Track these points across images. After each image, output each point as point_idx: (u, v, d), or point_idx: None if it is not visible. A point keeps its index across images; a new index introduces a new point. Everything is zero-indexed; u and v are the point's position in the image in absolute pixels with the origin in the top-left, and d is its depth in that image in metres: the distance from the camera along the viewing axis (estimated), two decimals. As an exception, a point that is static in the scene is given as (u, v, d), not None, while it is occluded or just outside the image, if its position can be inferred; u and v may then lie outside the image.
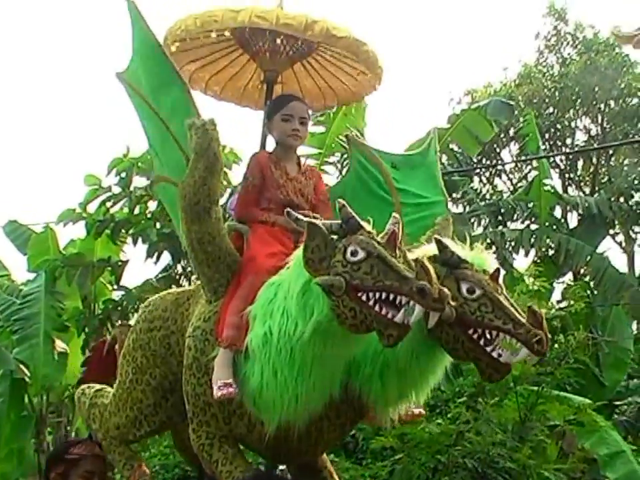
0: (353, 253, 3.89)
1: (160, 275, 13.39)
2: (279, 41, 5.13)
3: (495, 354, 4.03)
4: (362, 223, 4.01)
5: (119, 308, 13.16)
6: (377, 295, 3.82)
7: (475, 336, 4.04)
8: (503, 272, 4.40)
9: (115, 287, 13.84)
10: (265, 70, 5.28)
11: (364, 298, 3.84)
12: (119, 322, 13.45)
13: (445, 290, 3.83)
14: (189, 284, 13.20)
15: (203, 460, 4.54)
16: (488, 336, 4.04)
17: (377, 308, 3.81)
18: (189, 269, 13.06)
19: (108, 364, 5.59)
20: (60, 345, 13.32)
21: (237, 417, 4.43)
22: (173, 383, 4.82)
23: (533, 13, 40.90)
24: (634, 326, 18.16)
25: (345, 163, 13.24)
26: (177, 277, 13.37)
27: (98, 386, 5.32)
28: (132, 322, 5.82)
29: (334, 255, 3.93)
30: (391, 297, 3.79)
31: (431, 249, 4.29)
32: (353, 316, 3.87)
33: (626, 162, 20.99)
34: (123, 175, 13.04)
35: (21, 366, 13.02)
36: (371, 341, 4.11)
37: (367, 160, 5.21)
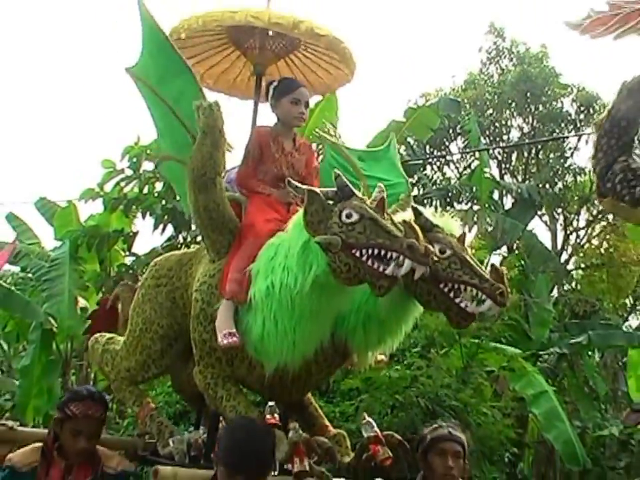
0: (348, 216, 3.89)
1: (165, 244, 13.23)
2: (267, 38, 5.14)
3: (462, 304, 4.06)
4: (354, 190, 4.03)
5: (130, 271, 13.10)
6: (370, 251, 3.82)
7: (446, 289, 4.06)
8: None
9: (127, 253, 13.83)
10: (255, 64, 5.25)
11: (358, 254, 3.84)
12: (133, 282, 13.49)
13: (430, 247, 3.87)
14: (190, 251, 13.19)
15: (209, 397, 4.52)
16: (457, 289, 4.06)
17: (369, 262, 3.81)
18: (189, 239, 13.09)
19: (110, 317, 5.54)
20: (81, 301, 13.45)
21: (238, 360, 4.42)
22: (177, 331, 4.84)
23: (476, 30, 40.83)
24: (555, 291, 18.42)
25: (320, 152, 13.11)
26: (179, 245, 13.17)
27: (109, 335, 5.34)
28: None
29: (330, 217, 3.93)
30: (382, 252, 3.80)
31: (403, 216, 4.25)
32: (348, 270, 3.87)
33: (551, 155, 21.29)
34: (134, 159, 13.02)
35: (50, 318, 13.14)
36: (356, 296, 4.20)
37: (336, 153, 5.24)
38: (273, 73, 5.41)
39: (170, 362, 4.93)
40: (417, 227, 3.88)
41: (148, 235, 14.09)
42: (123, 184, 13.13)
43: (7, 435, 4.56)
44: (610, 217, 20.64)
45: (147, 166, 13.02)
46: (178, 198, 12.08)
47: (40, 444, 4.52)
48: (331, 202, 3.98)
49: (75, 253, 13.33)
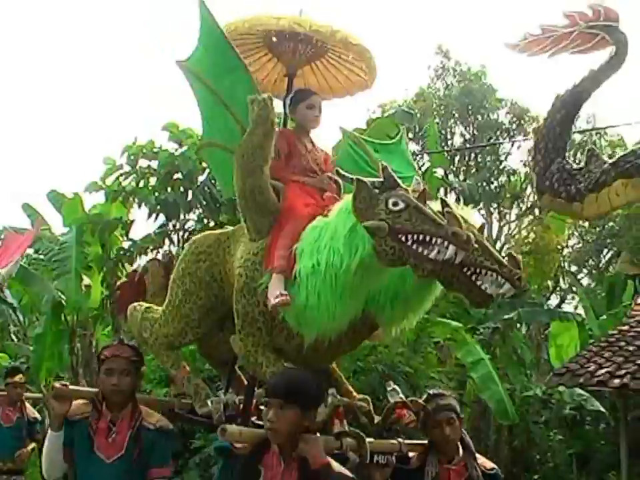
0: (394, 204, 3.78)
1: (157, 231, 13.29)
2: (300, 44, 4.92)
3: (483, 287, 3.91)
4: (399, 181, 3.92)
5: (127, 254, 13.20)
6: (415, 237, 3.72)
7: (469, 273, 3.91)
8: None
9: (125, 239, 13.79)
10: (288, 66, 5.06)
11: (403, 239, 3.73)
12: (129, 264, 13.46)
13: (470, 234, 3.73)
14: (178, 238, 13.21)
15: (249, 363, 4.40)
16: (478, 273, 3.92)
17: (414, 247, 3.71)
18: (178, 226, 13.08)
19: (137, 288, 5.42)
20: (86, 279, 13.43)
21: (277, 330, 4.29)
22: (214, 303, 4.67)
23: (425, 51, 40.99)
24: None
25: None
26: (169, 232, 13.22)
27: (146, 304, 5.13)
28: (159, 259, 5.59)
29: (377, 205, 3.81)
30: (427, 238, 3.69)
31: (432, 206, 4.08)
32: (392, 253, 3.76)
33: (488, 159, 21.55)
34: (132, 157, 13.04)
35: (59, 293, 13.21)
36: (387, 278, 4.10)
37: (354, 144, 5.08)
38: (300, 75, 5.23)
39: (205, 330, 4.76)
40: (458, 216, 3.75)
41: (142, 223, 14.04)
42: (122, 178, 13.17)
43: (65, 392, 4.42)
44: (536, 211, 20.90)
45: (142, 162, 13.10)
46: (214, 181, 12.24)
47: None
48: (376, 190, 3.85)
49: (81, 238, 13.33)
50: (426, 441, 4.67)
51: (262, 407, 4.36)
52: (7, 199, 29.23)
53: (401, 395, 4.55)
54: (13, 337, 16.55)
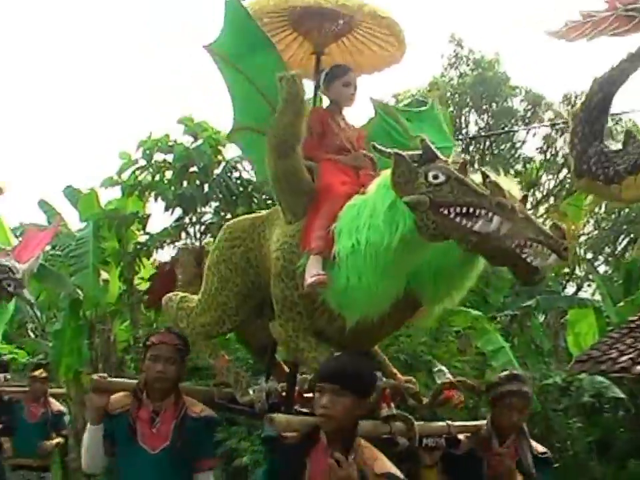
0: (435, 177, 3.67)
1: (174, 224, 13.20)
2: (326, 21, 4.85)
3: (529, 259, 3.70)
4: (438, 153, 3.80)
5: (145, 248, 13.09)
6: (458, 209, 3.61)
7: (513, 245, 3.70)
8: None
9: (142, 233, 13.70)
10: (315, 45, 4.99)
11: (445, 212, 3.63)
12: (146, 258, 13.44)
13: (515, 204, 3.64)
14: (194, 231, 13.18)
15: (290, 349, 4.34)
16: (523, 246, 3.71)
17: (457, 220, 3.61)
18: (194, 219, 13.02)
19: (168, 278, 5.38)
20: (103, 274, 13.44)
21: (318, 313, 4.21)
22: (251, 289, 4.61)
23: (438, 39, 40.85)
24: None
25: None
26: (186, 225, 13.16)
27: (181, 294, 5.08)
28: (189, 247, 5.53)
29: (417, 179, 3.69)
30: (471, 210, 3.59)
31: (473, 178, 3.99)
32: (435, 227, 3.67)
33: (503, 147, 21.43)
34: (147, 151, 13.03)
35: (77, 289, 13.12)
36: (429, 254, 3.99)
37: (386, 114, 4.98)
38: (328, 53, 5.13)
39: (243, 317, 4.69)
40: (502, 186, 3.65)
41: (159, 217, 14.03)
42: (137, 172, 13.17)
43: (104, 384, 4.39)
44: (552, 199, 20.74)
45: (158, 157, 13.12)
46: (230, 174, 12.29)
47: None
48: (415, 164, 3.73)
49: (97, 233, 13.30)
50: (475, 422, 4.59)
51: (305, 394, 4.33)
52: (22, 195, 29.16)
53: (448, 375, 4.49)
54: (31, 333, 16.53)
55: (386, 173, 3.90)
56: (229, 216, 12.91)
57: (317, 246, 4.08)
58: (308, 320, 4.23)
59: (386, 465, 3.58)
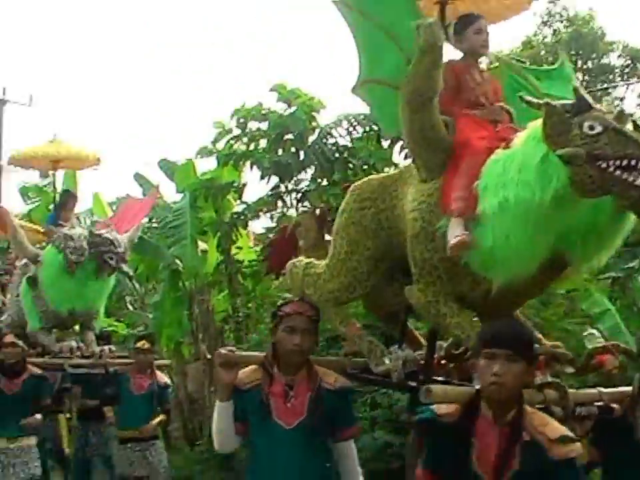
0: (591, 127, 3.37)
1: (269, 193, 13.14)
2: None
3: None
4: (592, 102, 3.51)
5: (242, 217, 13.19)
6: (617, 162, 3.31)
7: None
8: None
9: (238, 202, 13.68)
10: None
11: (604, 166, 3.33)
12: (243, 227, 13.40)
13: None
14: (290, 199, 13.06)
15: (430, 315, 4.07)
16: None
17: (617, 173, 3.31)
18: (290, 187, 12.94)
19: (289, 244, 5.18)
20: (201, 244, 13.44)
21: (460, 277, 3.93)
22: (382, 252, 4.35)
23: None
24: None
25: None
26: (282, 194, 13.06)
27: (306, 259, 4.81)
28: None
29: (570, 130, 3.40)
30: (632, 162, 3.29)
31: None
32: (591, 182, 3.37)
33: (601, 103, 20.73)
34: (242, 120, 12.94)
35: (176, 260, 13.16)
36: (580, 211, 3.65)
37: (515, 74, 4.70)
38: (451, 2, 4.71)
39: (374, 282, 4.42)
40: None
41: (254, 186, 13.95)
42: (232, 142, 13.08)
43: (232, 358, 4.11)
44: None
45: (253, 125, 13.00)
46: (325, 140, 12.12)
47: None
48: (568, 115, 3.46)
49: (194, 203, 13.30)
50: (627, 388, 4.28)
51: (443, 362, 4.10)
52: (119, 169, 29.62)
53: (600, 339, 4.19)
54: (129, 306, 16.69)
55: (535, 125, 3.63)
56: (324, 183, 12.82)
57: (458, 207, 3.80)
58: (449, 284, 3.97)
59: (559, 428, 3.32)
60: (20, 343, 7.56)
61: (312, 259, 4.76)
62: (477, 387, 3.44)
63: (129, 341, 13.20)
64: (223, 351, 4.16)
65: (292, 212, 13.34)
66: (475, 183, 3.78)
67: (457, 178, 3.89)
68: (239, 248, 13.75)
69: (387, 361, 4.25)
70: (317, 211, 5.27)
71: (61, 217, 9.47)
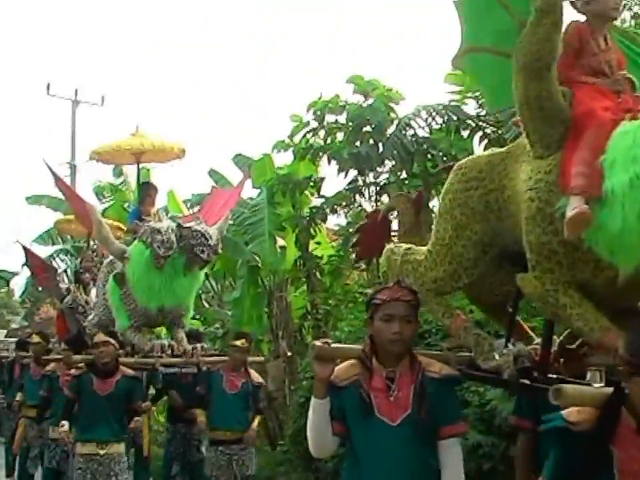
0: None
1: (347, 187, 12.91)
2: None
3: None
4: None
5: (320, 212, 12.96)
6: None
7: None
8: None
9: (316, 196, 13.53)
10: None
11: None
12: (322, 221, 13.16)
13: None
14: (369, 193, 12.78)
15: (548, 304, 3.66)
16: None
17: None
18: (368, 180, 12.69)
19: (382, 229, 4.82)
20: (280, 240, 13.26)
21: (582, 263, 3.53)
22: (491, 237, 3.97)
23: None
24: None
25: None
26: (360, 187, 12.82)
27: (405, 245, 4.43)
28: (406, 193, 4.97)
29: None
30: None
31: None
32: None
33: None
34: (319, 112, 12.73)
35: (255, 256, 13.04)
36: None
37: (625, 39, 4.30)
38: None
39: (482, 270, 4.06)
40: None
41: (331, 180, 13.74)
42: (309, 135, 12.89)
43: (328, 352, 3.73)
44: None
45: (329, 118, 12.78)
46: (404, 132, 11.78)
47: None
48: None
49: (272, 199, 13.16)
50: None
51: (562, 358, 3.75)
52: (193, 167, 29.74)
53: None
54: (205, 303, 16.60)
55: None
56: (404, 175, 12.52)
57: (580, 184, 3.40)
58: (569, 271, 3.58)
59: None
60: (113, 341, 7.18)
61: (411, 245, 4.43)
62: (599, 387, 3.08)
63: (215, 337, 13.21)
64: (318, 343, 3.76)
65: (370, 206, 13.10)
66: (600, 157, 3.41)
67: (579, 152, 3.49)
68: (318, 243, 13.54)
69: (496, 356, 3.86)
70: (416, 194, 4.90)
71: (143, 211, 9.20)
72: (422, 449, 3.65)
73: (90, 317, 9.39)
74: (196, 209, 15.13)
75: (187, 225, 7.91)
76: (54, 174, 10.97)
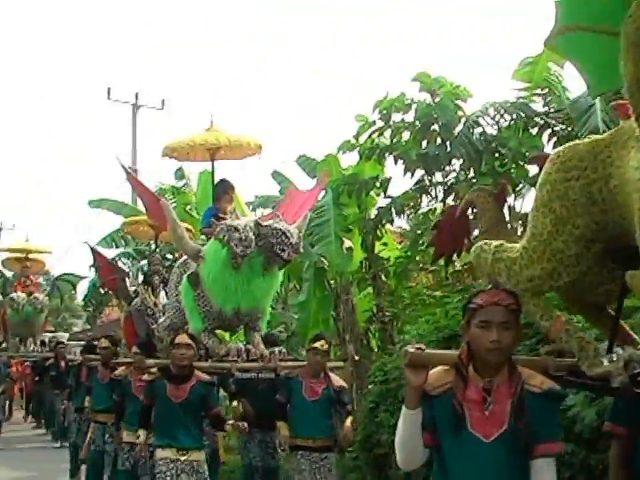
0: None
1: (413, 187, 12.66)
2: None
3: None
4: None
5: (387, 213, 12.63)
6: None
7: None
8: None
9: (383, 196, 13.18)
10: None
11: None
12: (389, 223, 12.92)
13: None
14: (435, 193, 12.52)
15: None
16: None
17: None
18: (434, 180, 12.43)
19: (461, 226, 4.55)
20: (346, 242, 12.90)
21: None
22: (595, 231, 3.67)
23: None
24: None
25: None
26: (427, 187, 12.61)
27: (496, 242, 4.12)
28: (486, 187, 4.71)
29: None
30: None
31: None
32: None
33: None
34: (385, 111, 12.41)
35: (321, 258, 12.73)
36: None
37: None
38: None
39: (584, 267, 3.75)
40: None
41: (396, 180, 13.50)
42: (375, 135, 12.62)
43: (421, 358, 3.44)
44: None
45: (395, 117, 12.48)
46: (472, 130, 11.53)
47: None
48: None
49: (337, 200, 12.88)
50: None
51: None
52: (255, 169, 29.63)
53: None
54: (268, 306, 16.44)
55: None
56: (471, 174, 12.22)
57: None
58: None
59: None
60: (194, 344, 6.78)
61: (502, 242, 4.14)
62: None
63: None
64: (411, 349, 3.44)
65: (438, 206, 12.85)
66: None
67: None
68: (384, 245, 13.31)
69: (604, 362, 3.57)
70: (499, 187, 4.60)
71: (220, 208, 8.65)
72: (516, 468, 3.34)
73: (161, 320, 9.13)
74: (260, 211, 15.06)
75: (266, 222, 7.55)
76: (125, 169, 10.79)
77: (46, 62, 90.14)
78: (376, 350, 13.56)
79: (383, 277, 13.51)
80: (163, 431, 6.80)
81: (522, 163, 11.49)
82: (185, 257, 8.79)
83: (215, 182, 9.51)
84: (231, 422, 7.05)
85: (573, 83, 11.81)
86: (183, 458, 6.65)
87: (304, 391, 7.34)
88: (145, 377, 7.14)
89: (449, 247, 4.69)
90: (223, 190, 9.00)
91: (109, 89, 25.87)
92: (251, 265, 7.54)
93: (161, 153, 9.82)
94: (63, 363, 14.96)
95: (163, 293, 10.26)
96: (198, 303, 7.87)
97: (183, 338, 6.81)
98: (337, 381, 7.54)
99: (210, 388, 7.04)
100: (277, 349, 7.87)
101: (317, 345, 7.35)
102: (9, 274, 20.44)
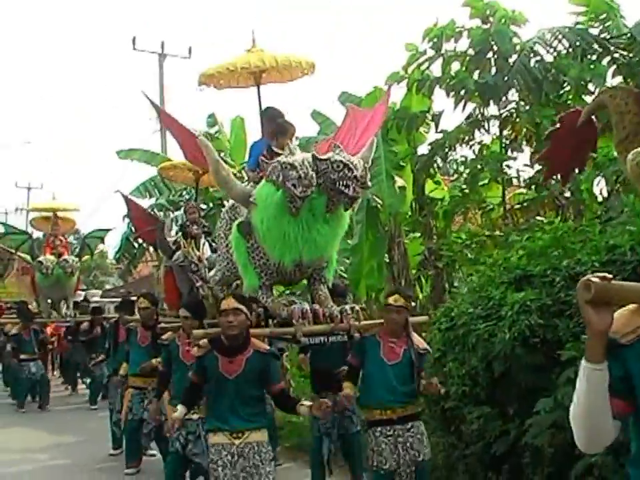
0: None
1: (467, 121, 11.96)
2: None
3: None
4: None
5: (442, 147, 12.05)
6: None
7: None
8: None
9: (435, 131, 12.39)
10: None
11: None
12: (442, 159, 12.24)
13: None
14: (488, 126, 11.87)
15: None
16: None
17: None
18: (487, 113, 11.81)
19: (582, 136, 3.83)
20: (399, 180, 11.97)
21: None
22: None
23: None
24: None
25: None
26: (479, 120, 11.92)
27: None
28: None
29: None
30: None
31: None
32: None
33: None
34: (435, 40, 11.65)
35: (374, 197, 11.87)
36: None
37: None
38: None
39: None
40: None
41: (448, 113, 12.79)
42: (424, 65, 11.83)
43: (610, 292, 2.35)
44: None
45: (447, 45, 11.72)
46: (531, 56, 10.72)
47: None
48: None
49: (386, 136, 12.02)
50: None
51: None
52: (295, 109, 28.83)
53: None
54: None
55: None
56: (527, 107, 11.48)
57: None
58: None
59: None
60: (245, 309, 5.61)
61: None
62: None
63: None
64: (593, 279, 2.36)
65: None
66: None
67: None
68: (437, 183, 12.61)
69: None
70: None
71: (277, 144, 6.98)
72: None
73: (211, 273, 8.04)
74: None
75: (324, 156, 6.28)
76: (155, 105, 9.87)
77: (72, 12, 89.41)
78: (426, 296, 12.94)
79: (435, 219, 12.88)
80: (214, 412, 5.80)
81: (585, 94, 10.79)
82: (232, 201, 7.58)
83: (262, 110, 7.93)
84: (307, 403, 5.75)
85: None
86: (237, 442, 5.64)
87: (382, 353, 6.21)
88: (194, 350, 6.02)
89: (567, 161, 3.98)
90: (279, 115, 7.41)
91: (134, 39, 24.90)
92: (311, 209, 6.37)
93: (197, 82, 8.52)
94: (99, 329, 14.36)
95: (207, 246, 9.33)
96: (252, 256, 6.76)
97: (229, 302, 5.67)
98: (421, 342, 6.39)
99: (269, 359, 5.85)
100: (347, 307, 6.63)
101: (391, 299, 6.22)
102: (38, 235, 19.77)
